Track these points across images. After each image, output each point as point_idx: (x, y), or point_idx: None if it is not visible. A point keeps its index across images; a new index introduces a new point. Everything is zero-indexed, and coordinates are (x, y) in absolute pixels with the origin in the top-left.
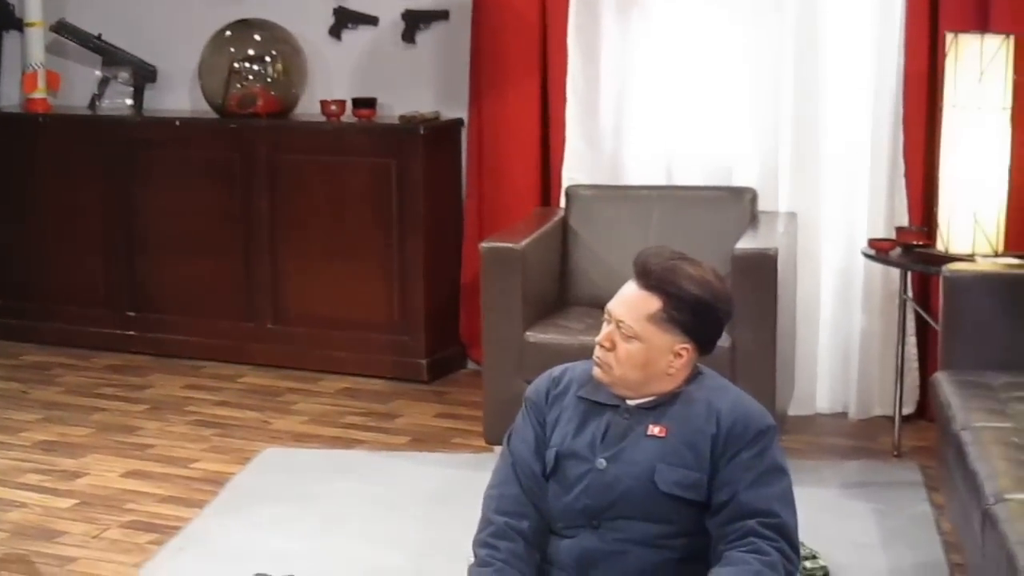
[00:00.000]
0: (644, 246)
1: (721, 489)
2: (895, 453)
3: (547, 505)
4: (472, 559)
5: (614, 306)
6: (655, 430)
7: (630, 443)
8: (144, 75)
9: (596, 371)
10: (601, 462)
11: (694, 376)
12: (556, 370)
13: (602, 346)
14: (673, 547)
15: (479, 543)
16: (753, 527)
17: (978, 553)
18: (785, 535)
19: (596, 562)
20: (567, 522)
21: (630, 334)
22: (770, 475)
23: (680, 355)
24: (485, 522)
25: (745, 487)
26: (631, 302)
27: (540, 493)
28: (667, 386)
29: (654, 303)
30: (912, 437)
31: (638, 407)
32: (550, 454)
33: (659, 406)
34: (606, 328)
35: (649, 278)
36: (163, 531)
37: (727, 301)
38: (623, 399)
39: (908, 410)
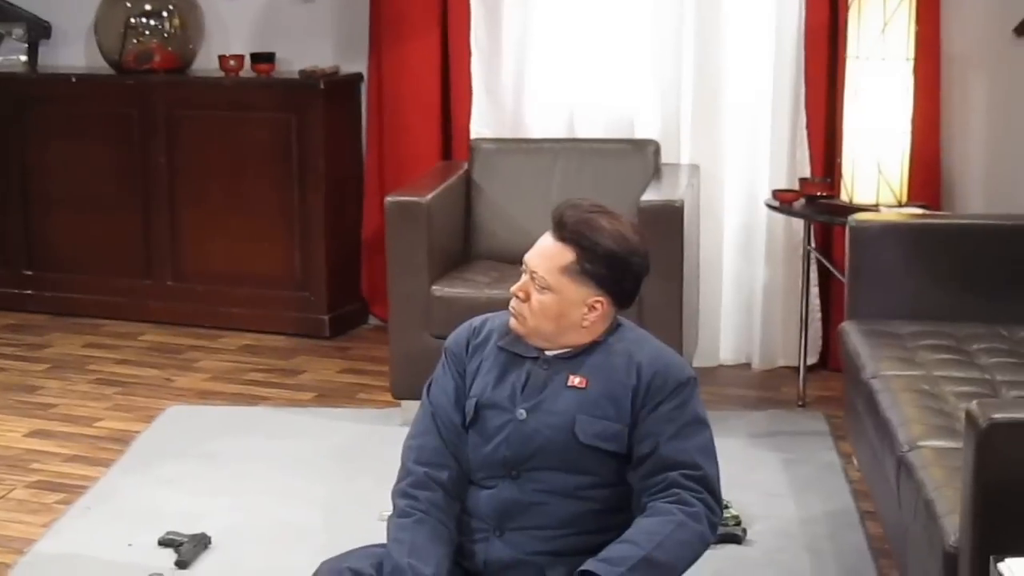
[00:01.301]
0: (547, 199)
1: (642, 441)
2: (800, 403)
3: (467, 456)
4: (390, 510)
5: (530, 257)
6: (575, 381)
7: (550, 394)
8: (38, 31)
9: (512, 321)
10: (521, 412)
11: (614, 328)
12: (476, 320)
13: (517, 296)
14: (594, 498)
15: (398, 493)
16: (676, 479)
17: (893, 501)
18: (708, 487)
19: (515, 513)
20: (487, 472)
21: (544, 285)
22: (691, 427)
23: (594, 308)
24: (404, 472)
25: (667, 439)
26: (546, 253)
27: (460, 444)
28: (582, 338)
29: (568, 255)
30: (816, 387)
31: (557, 357)
32: (470, 404)
33: (579, 356)
34: (522, 279)
35: (564, 230)
36: (70, 491)
37: (643, 256)
38: (542, 350)
39: (811, 360)
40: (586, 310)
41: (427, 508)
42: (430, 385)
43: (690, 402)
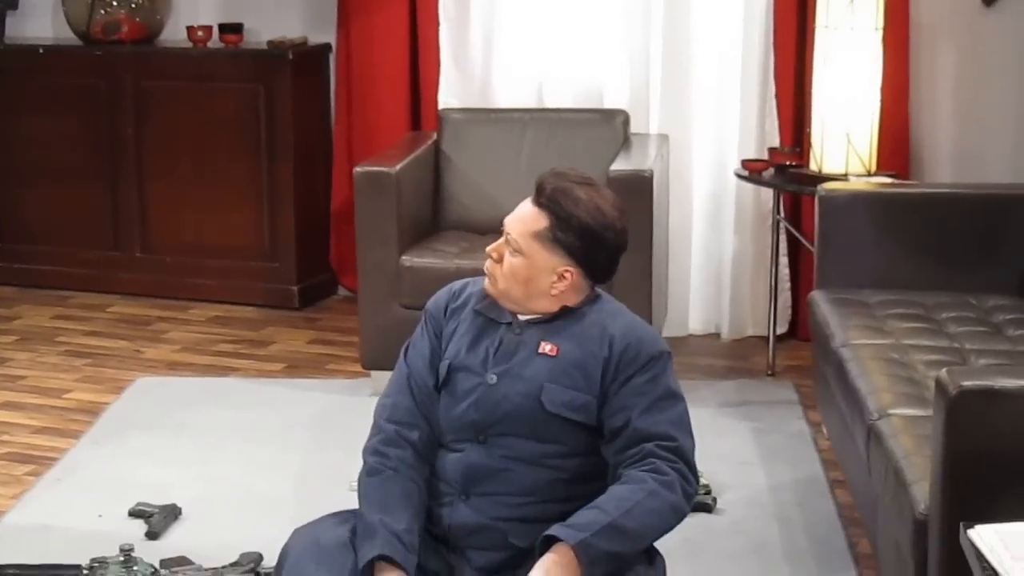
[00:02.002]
0: (516, 169)
1: (614, 415)
2: (769, 372)
3: (438, 418)
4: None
5: (508, 219)
6: (547, 348)
7: (521, 360)
8: (5, 2)
9: (485, 282)
10: (492, 377)
11: (591, 299)
12: (457, 284)
13: (491, 257)
14: (560, 467)
15: (369, 451)
16: (652, 449)
17: (862, 469)
18: (683, 457)
19: (481, 477)
20: (455, 435)
21: (516, 248)
22: (664, 401)
23: (564, 277)
24: (376, 429)
25: (639, 413)
26: (522, 217)
27: (432, 405)
28: (551, 306)
29: (542, 221)
30: (785, 356)
31: (530, 323)
32: (443, 366)
33: (552, 323)
34: (499, 240)
35: (542, 196)
36: (39, 462)
37: (618, 231)
38: (515, 314)
39: (781, 330)
40: (555, 278)
41: (397, 465)
42: (408, 347)
43: (663, 376)
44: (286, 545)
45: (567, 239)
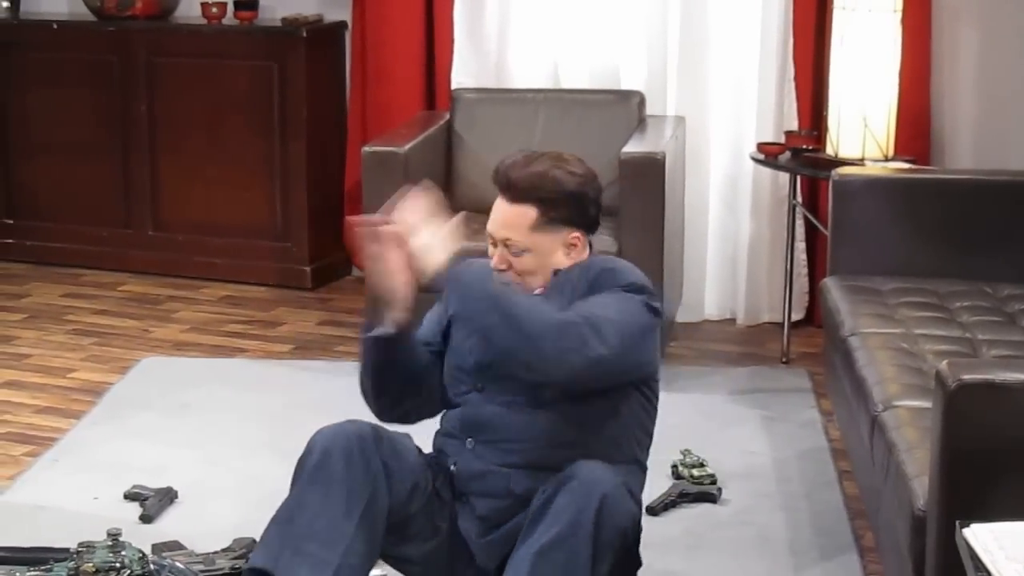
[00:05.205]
0: (530, 150)
1: None
2: (783, 359)
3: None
4: None
5: (494, 228)
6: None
7: None
8: None
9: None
10: None
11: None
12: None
13: (500, 269)
14: (559, 411)
15: None
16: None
17: (866, 460)
18: (600, 325)
19: (483, 424)
20: (457, 388)
21: (520, 249)
22: (613, 298)
23: (574, 245)
24: None
25: (579, 303)
26: (509, 220)
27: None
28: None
29: (531, 213)
30: (800, 343)
31: None
32: (445, 319)
33: None
34: (495, 250)
35: (515, 192)
36: (39, 442)
37: (591, 180)
38: None
39: (796, 316)
40: (567, 249)
41: None
42: None
43: (628, 296)
44: (311, 441)
45: (560, 214)
